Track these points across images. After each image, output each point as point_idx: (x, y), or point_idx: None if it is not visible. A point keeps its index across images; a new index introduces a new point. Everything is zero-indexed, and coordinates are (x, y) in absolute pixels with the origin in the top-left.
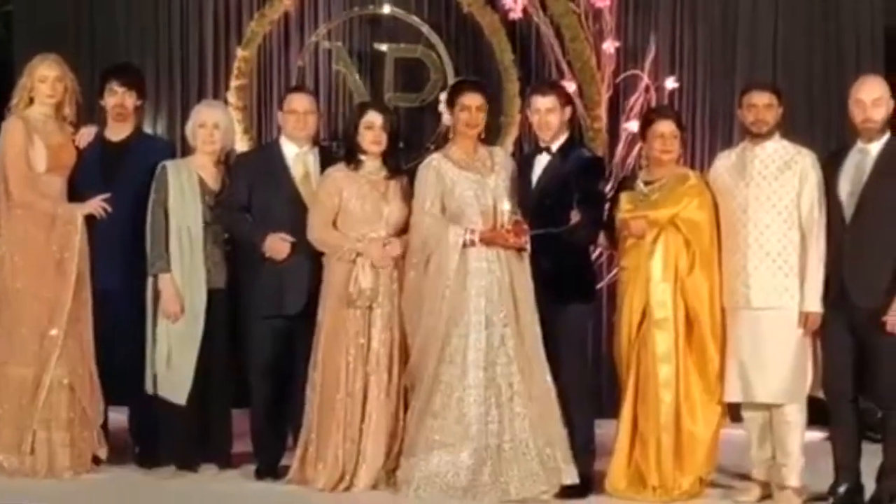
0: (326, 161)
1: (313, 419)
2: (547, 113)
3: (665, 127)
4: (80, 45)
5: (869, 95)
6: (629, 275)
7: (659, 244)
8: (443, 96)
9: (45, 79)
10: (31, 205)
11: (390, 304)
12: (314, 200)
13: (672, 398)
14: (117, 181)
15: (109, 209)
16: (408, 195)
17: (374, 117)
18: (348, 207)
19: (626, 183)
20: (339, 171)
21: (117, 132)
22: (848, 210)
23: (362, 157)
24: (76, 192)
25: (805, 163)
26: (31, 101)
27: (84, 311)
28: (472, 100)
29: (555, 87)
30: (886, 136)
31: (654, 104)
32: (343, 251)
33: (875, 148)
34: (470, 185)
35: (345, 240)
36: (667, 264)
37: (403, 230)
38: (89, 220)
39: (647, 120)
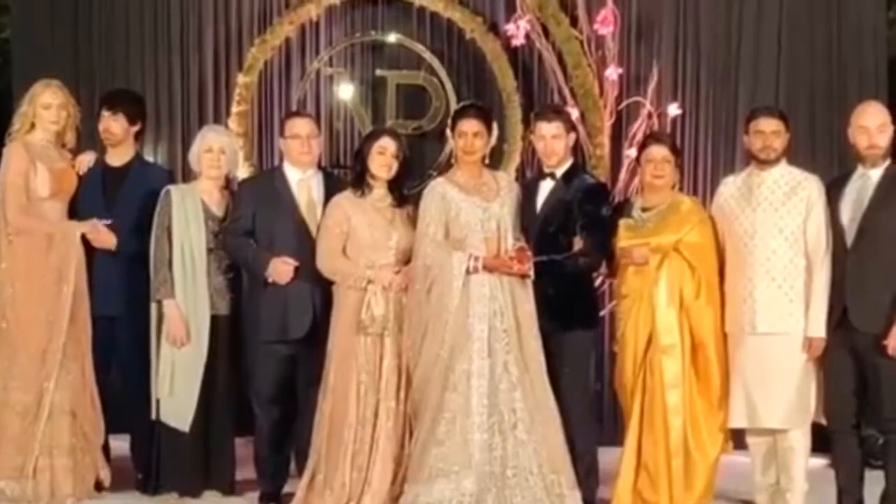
0: (330, 186)
1: (322, 447)
2: (553, 139)
3: (657, 152)
4: (78, 73)
5: (873, 122)
6: (631, 301)
7: (663, 270)
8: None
9: (49, 106)
10: (29, 230)
11: (400, 331)
12: (322, 229)
13: (681, 424)
14: (117, 207)
15: (112, 237)
16: (414, 222)
17: (387, 142)
18: (357, 234)
19: (621, 209)
20: (345, 198)
21: (116, 158)
22: (849, 236)
23: (370, 182)
24: (77, 217)
25: (811, 189)
26: (32, 126)
27: (84, 334)
28: (470, 126)
29: (560, 113)
30: (887, 163)
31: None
32: (354, 279)
33: (876, 174)
34: (474, 210)
35: (355, 267)
36: (672, 290)
37: (411, 258)
38: (90, 247)
39: (642, 145)
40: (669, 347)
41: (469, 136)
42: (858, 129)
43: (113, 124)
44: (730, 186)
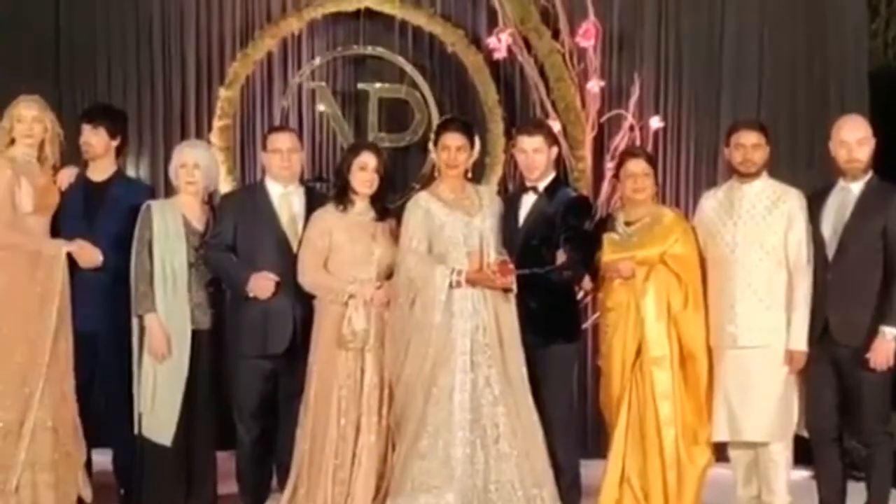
0: (312, 201)
1: (304, 461)
2: (534, 153)
3: (635, 166)
4: (60, 88)
5: (853, 135)
6: (617, 315)
7: (651, 282)
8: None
9: (23, 118)
10: (16, 246)
11: (381, 346)
12: (304, 243)
13: (674, 435)
14: (99, 222)
15: (98, 255)
16: (396, 237)
17: (367, 158)
18: (339, 249)
19: (604, 224)
20: (328, 212)
21: (97, 172)
22: (830, 248)
23: (352, 198)
24: (59, 232)
25: (793, 202)
26: (12, 142)
27: (66, 351)
28: (453, 140)
29: (541, 127)
30: (868, 175)
31: (638, 144)
32: (335, 293)
33: (857, 187)
34: (457, 225)
35: (336, 282)
36: (660, 302)
37: (393, 272)
38: (72, 262)
39: (620, 161)
40: (660, 359)
41: (452, 150)
42: (839, 142)
43: (93, 138)
44: (711, 200)
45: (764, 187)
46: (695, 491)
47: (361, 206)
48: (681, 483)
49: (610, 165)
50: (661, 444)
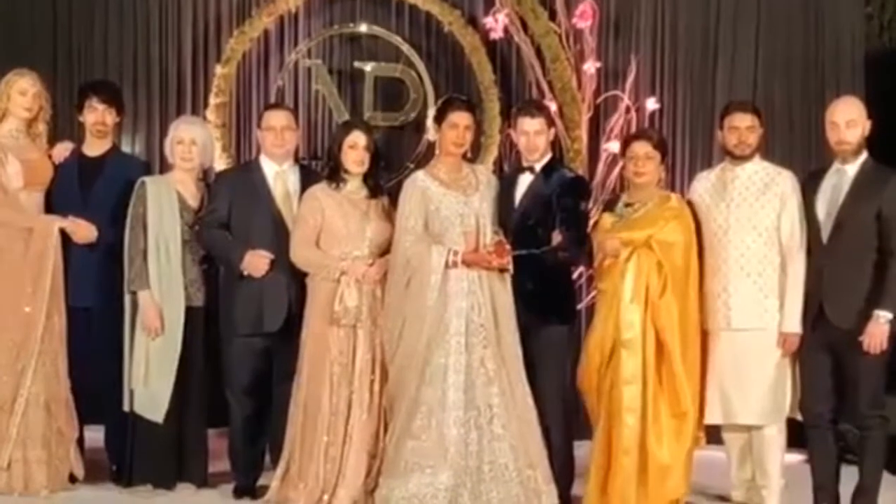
0: (307, 179)
1: (296, 439)
2: (535, 135)
3: (639, 148)
4: (56, 63)
5: (843, 117)
6: (605, 297)
7: (631, 264)
8: (431, 112)
9: (25, 92)
10: (7, 223)
11: (373, 324)
12: (297, 220)
13: (636, 421)
14: (94, 197)
15: (92, 231)
16: (388, 214)
17: (357, 137)
18: (331, 226)
19: (609, 204)
20: (320, 190)
21: (94, 148)
22: (825, 231)
23: (344, 176)
24: (53, 207)
25: (785, 184)
26: (3, 116)
27: (59, 327)
28: (461, 118)
29: (542, 109)
30: (863, 157)
31: (633, 125)
32: (327, 270)
33: (852, 169)
34: (454, 204)
35: (329, 259)
36: (637, 285)
37: (385, 250)
38: (65, 237)
39: (625, 141)
40: (629, 342)
41: (461, 129)
42: (830, 124)
43: (108, 116)
44: (703, 182)
45: (756, 169)
46: (674, 478)
47: (354, 184)
48: (643, 472)
49: (605, 146)
50: (620, 429)
